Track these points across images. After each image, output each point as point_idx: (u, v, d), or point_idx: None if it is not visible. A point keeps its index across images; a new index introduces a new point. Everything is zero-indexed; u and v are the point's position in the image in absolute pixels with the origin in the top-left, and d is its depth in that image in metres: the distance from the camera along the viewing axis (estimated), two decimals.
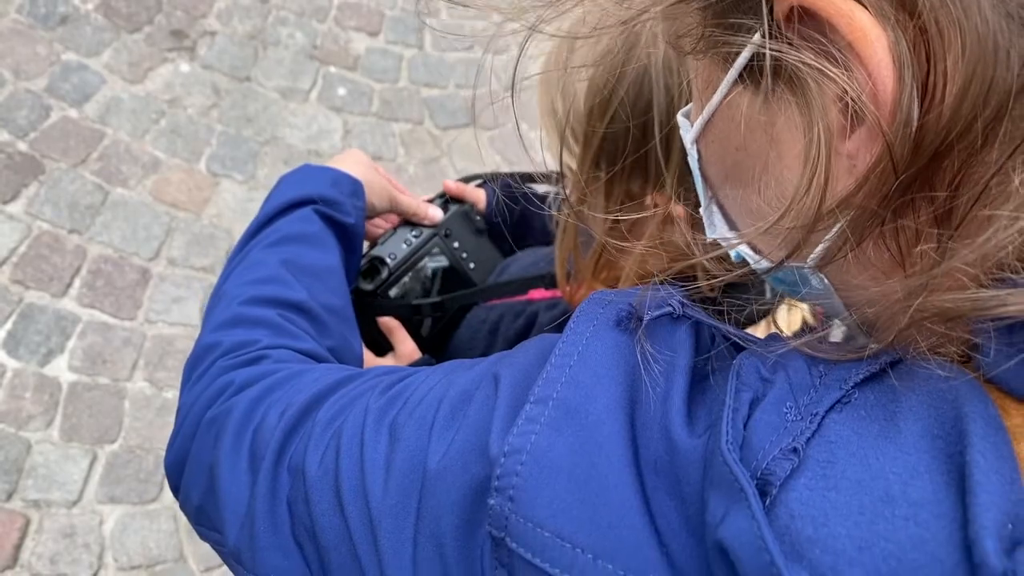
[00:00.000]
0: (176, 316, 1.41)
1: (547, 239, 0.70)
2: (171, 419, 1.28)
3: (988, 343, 0.19)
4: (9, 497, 1.16)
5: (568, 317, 0.26)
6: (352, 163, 0.60)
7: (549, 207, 0.53)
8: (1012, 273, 0.18)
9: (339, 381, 0.35)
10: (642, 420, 0.22)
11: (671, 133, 0.40)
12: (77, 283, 1.38)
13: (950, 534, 0.16)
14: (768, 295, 0.35)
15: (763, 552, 0.17)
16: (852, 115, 0.19)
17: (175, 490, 0.41)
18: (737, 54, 0.22)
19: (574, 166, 0.45)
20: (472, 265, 0.68)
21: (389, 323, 0.64)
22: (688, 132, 0.28)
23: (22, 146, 1.46)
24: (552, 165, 0.45)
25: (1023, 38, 0.17)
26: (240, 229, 1.50)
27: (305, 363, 0.42)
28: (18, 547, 1.13)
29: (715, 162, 0.27)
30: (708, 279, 0.26)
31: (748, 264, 0.26)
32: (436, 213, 0.67)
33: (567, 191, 0.47)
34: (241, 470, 0.34)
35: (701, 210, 0.29)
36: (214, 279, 0.45)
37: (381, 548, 0.26)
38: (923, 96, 0.18)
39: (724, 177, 0.27)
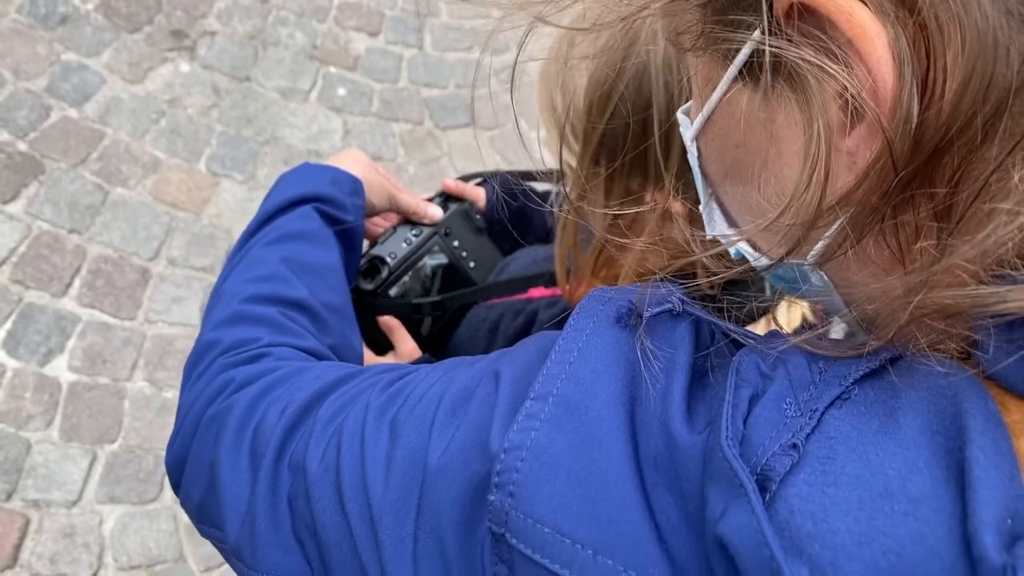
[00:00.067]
0: (176, 316, 1.41)
1: (547, 237, 0.71)
2: (171, 419, 1.28)
3: (988, 340, 0.19)
4: (9, 497, 1.16)
5: (568, 314, 0.26)
6: (352, 162, 0.60)
7: (549, 205, 0.53)
8: (1012, 270, 0.18)
9: (340, 379, 0.35)
10: (642, 416, 0.22)
11: (670, 130, 0.40)
12: (77, 283, 1.38)
13: (949, 529, 0.16)
14: (768, 292, 0.35)
15: (763, 547, 0.17)
16: (852, 112, 0.19)
17: (176, 488, 0.41)
18: (737, 51, 0.22)
19: (574, 164, 0.45)
20: (472, 264, 0.68)
21: (389, 322, 0.65)
22: (688, 129, 0.28)
23: (22, 146, 1.46)
24: (552, 163, 0.45)
25: (1023, 34, 0.17)
26: (240, 229, 1.50)
27: (306, 361, 0.42)
28: (18, 547, 1.13)
29: (715, 159, 0.27)
30: (708, 276, 0.26)
31: (748, 261, 0.26)
32: (436, 212, 0.67)
33: (567, 188, 0.47)
34: (242, 467, 0.34)
35: (701, 207, 0.29)
36: (214, 279, 0.46)
37: (382, 544, 0.26)
38: (923, 92, 0.18)
39: (724, 174, 0.27)
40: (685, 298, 0.26)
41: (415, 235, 0.66)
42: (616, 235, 0.43)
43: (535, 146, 0.43)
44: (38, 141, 1.48)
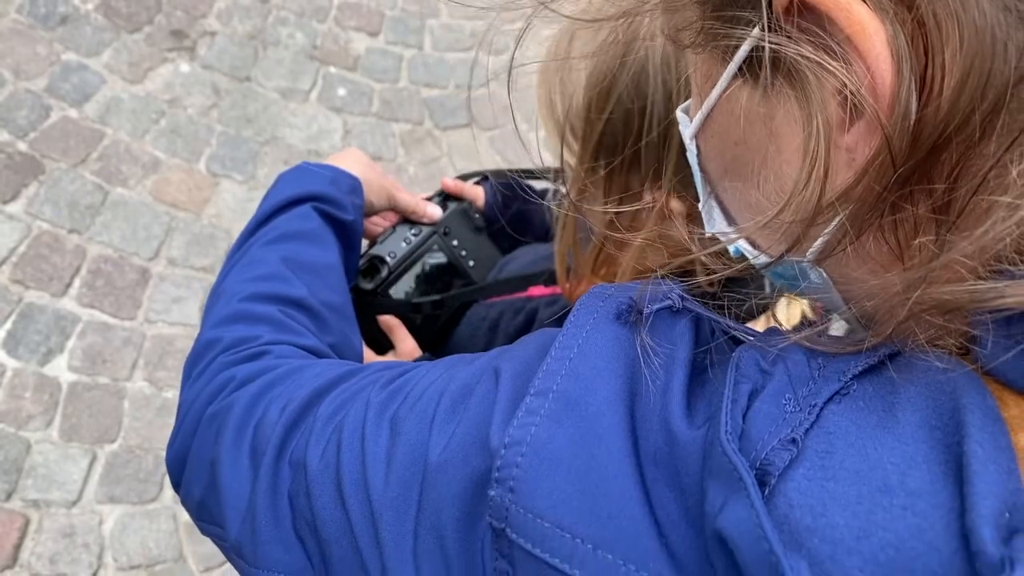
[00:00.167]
0: (176, 316, 1.41)
1: (546, 236, 0.71)
2: (171, 419, 1.28)
3: (986, 335, 0.19)
4: (9, 497, 1.16)
5: (568, 312, 0.26)
6: (351, 161, 0.61)
7: (548, 204, 0.53)
8: (1010, 265, 0.18)
9: (340, 376, 0.35)
10: (642, 412, 0.22)
11: (669, 128, 0.40)
12: (77, 283, 1.38)
13: (948, 523, 0.16)
14: (767, 290, 0.35)
15: (762, 541, 0.17)
16: (851, 108, 0.20)
17: (176, 486, 0.42)
18: (736, 48, 0.22)
19: (573, 162, 0.45)
20: (471, 263, 0.68)
21: (389, 321, 0.65)
22: (687, 127, 0.28)
23: (22, 146, 1.46)
24: (551, 162, 0.45)
25: (1020, 31, 0.17)
26: (240, 229, 1.50)
27: (306, 359, 0.42)
28: (18, 547, 1.13)
29: (714, 157, 0.27)
30: (707, 274, 0.26)
31: (747, 259, 0.26)
32: (435, 211, 0.67)
33: (566, 187, 0.47)
34: (242, 465, 0.34)
35: (700, 205, 0.30)
36: (214, 279, 0.46)
37: (382, 541, 0.26)
38: (921, 89, 0.18)
39: (723, 172, 0.27)
40: (685, 295, 0.26)
41: (414, 234, 0.66)
42: (616, 233, 0.43)
43: (534, 144, 0.43)
44: (38, 141, 1.48)
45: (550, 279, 0.58)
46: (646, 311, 0.24)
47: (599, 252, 0.48)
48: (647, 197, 0.42)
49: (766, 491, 0.18)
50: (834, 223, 0.21)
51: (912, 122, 0.18)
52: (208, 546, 1.20)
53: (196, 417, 0.40)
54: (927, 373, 0.19)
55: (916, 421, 0.18)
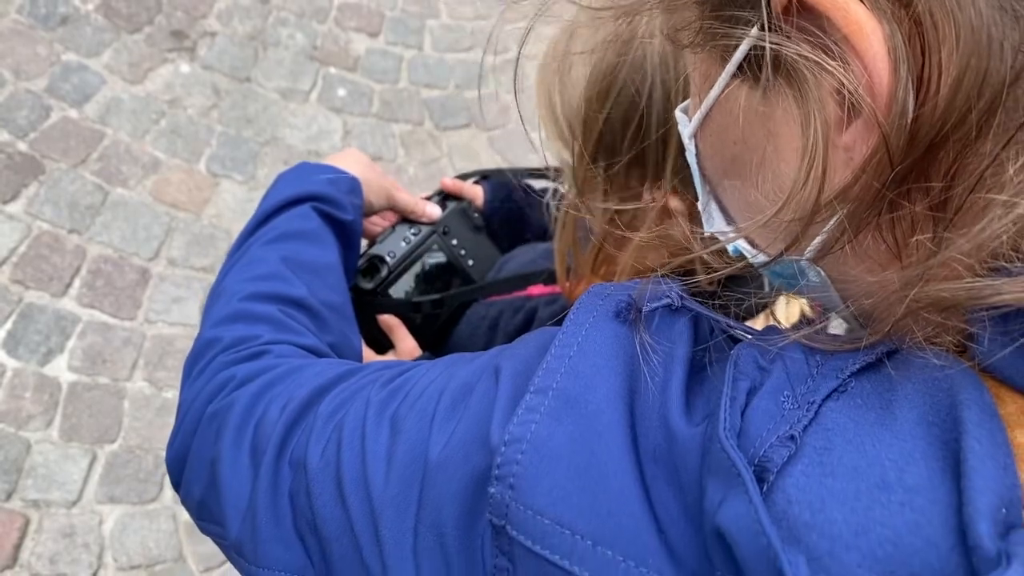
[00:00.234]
0: (176, 316, 1.41)
1: (545, 235, 0.71)
2: (171, 419, 1.28)
3: (983, 332, 0.19)
4: (9, 497, 1.16)
5: (568, 311, 0.26)
6: (350, 161, 0.61)
7: (548, 202, 0.53)
8: (1006, 262, 0.18)
9: (340, 375, 0.36)
10: (641, 410, 0.22)
11: (668, 127, 0.40)
12: (77, 283, 1.38)
13: (945, 519, 0.16)
14: (766, 288, 0.35)
15: (760, 536, 0.17)
16: (848, 108, 0.20)
17: (176, 486, 0.42)
18: (735, 47, 0.22)
19: (572, 161, 0.45)
20: (471, 262, 0.68)
21: (389, 321, 0.65)
22: (686, 127, 0.28)
23: (22, 146, 1.47)
24: (551, 161, 0.45)
25: (1016, 30, 0.17)
26: (240, 229, 1.50)
27: (306, 358, 0.42)
28: (18, 547, 1.13)
29: (713, 156, 0.27)
30: (707, 273, 0.27)
31: (746, 258, 0.27)
32: (434, 211, 0.67)
33: (566, 186, 0.47)
34: (243, 464, 0.34)
35: (699, 205, 0.30)
36: (214, 279, 0.46)
37: (382, 538, 0.26)
38: (918, 88, 0.19)
39: (722, 171, 0.27)
40: (684, 293, 0.26)
41: (414, 234, 0.66)
42: (615, 233, 0.43)
43: (536, 143, 0.43)
44: (38, 141, 1.48)
45: (550, 278, 0.58)
46: (645, 309, 0.25)
47: (599, 251, 0.48)
48: (646, 196, 0.43)
49: (764, 487, 0.18)
50: (832, 221, 0.21)
51: (909, 121, 0.19)
52: (208, 546, 1.21)
53: (196, 416, 0.40)
54: (925, 370, 0.20)
55: (914, 418, 0.18)
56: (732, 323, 0.25)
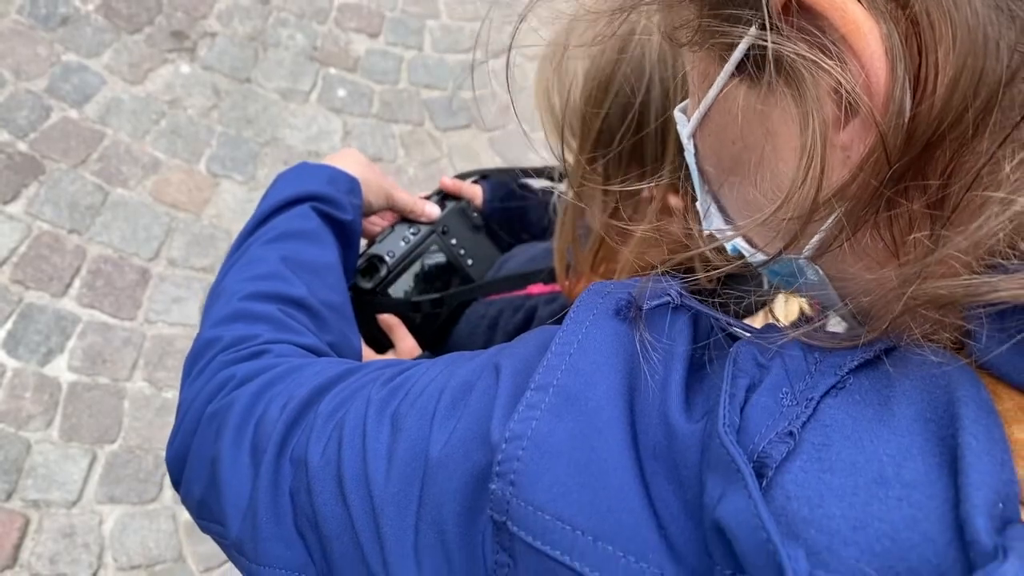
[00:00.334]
0: (176, 316, 1.41)
1: (544, 235, 0.71)
2: (171, 419, 1.28)
3: (980, 329, 0.19)
4: (9, 497, 1.16)
5: (568, 310, 0.27)
6: (349, 161, 0.61)
7: (548, 201, 0.53)
8: (1003, 260, 0.18)
9: (340, 374, 0.36)
10: (641, 407, 0.23)
11: (666, 125, 0.40)
12: (77, 283, 1.38)
13: (942, 514, 0.17)
14: (765, 286, 0.35)
15: (760, 530, 0.17)
16: (846, 107, 0.20)
17: (176, 485, 0.42)
18: (733, 47, 0.22)
19: (571, 160, 0.45)
20: (470, 261, 0.69)
21: (389, 320, 0.65)
22: (684, 127, 0.28)
23: (22, 146, 1.47)
24: (551, 160, 0.45)
25: (1012, 30, 0.17)
26: (239, 230, 1.50)
27: (306, 358, 0.42)
28: (18, 547, 1.13)
29: (711, 155, 0.27)
30: (706, 271, 0.27)
31: (744, 257, 0.27)
32: (433, 210, 0.68)
33: (565, 184, 0.47)
34: (243, 463, 0.34)
35: (697, 204, 0.30)
36: (214, 279, 0.46)
37: (383, 536, 0.26)
38: (915, 87, 0.19)
39: (720, 171, 0.27)
40: (683, 291, 0.26)
41: (413, 233, 0.66)
42: (615, 231, 0.43)
43: (536, 143, 0.43)
44: (38, 141, 1.48)
45: (549, 277, 0.58)
46: (645, 307, 0.25)
47: (598, 249, 0.48)
48: (645, 193, 0.43)
49: (763, 483, 0.19)
50: (830, 220, 0.21)
51: (906, 120, 0.19)
52: (208, 546, 1.21)
53: (196, 415, 0.40)
54: (922, 367, 0.20)
55: (911, 414, 0.19)
56: (731, 321, 0.25)
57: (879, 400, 0.19)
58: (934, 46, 0.18)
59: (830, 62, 0.19)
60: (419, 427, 0.27)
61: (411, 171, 1.77)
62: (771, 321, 0.35)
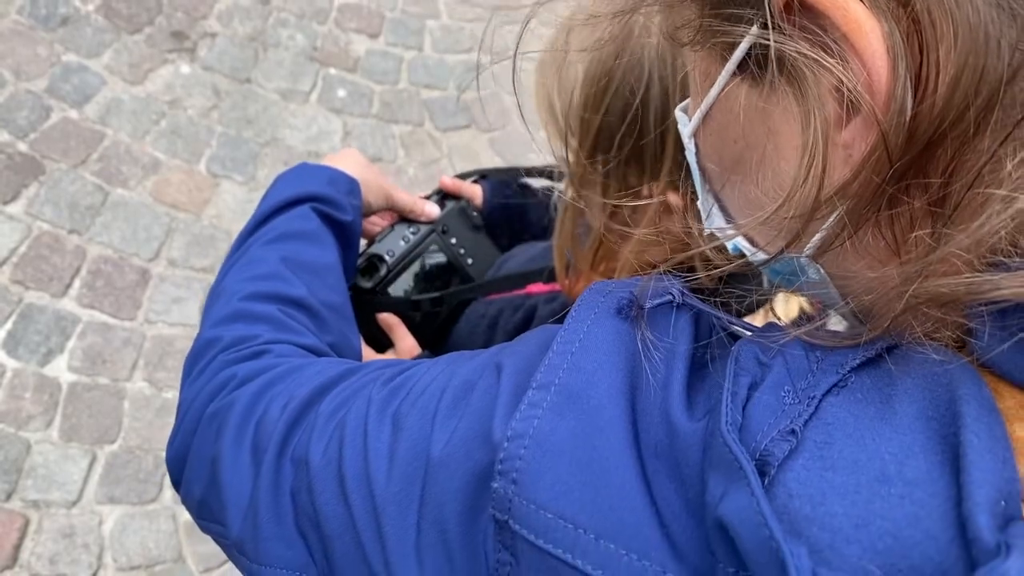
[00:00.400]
0: (176, 317, 1.41)
1: (544, 234, 0.71)
2: (171, 419, 1.28)
3: (982, 327, 0.19)
4: (8, 497, 1.16)
5: (568, 309, 0.27)
6: (349, 162, 0.61)
7: (548, 201, 0.54)
8: (1005, 257, 0.18)
9: (341, 374, 0.36)
10: (643, 405, 0.23)
11: (667, 124, 0.40)
12: (77, 283, 1.38)
13: (945, 512, 0.17)
14: (766, 285, 0.35)
15: (762, 527, 0.17)
16: (848, 105, 0.20)
17: (176, 485, 0.42)
18: (735, 46, 0.22)
19: (572, 159, 0.45)
20: (470, 261, 0.69)
21: (389, 320, 0.65)
22: (686, 126, 0.28)
23: (22, 146, 1.47)
24: (550, 160, 0.45)
25: (1013, 28, 0.17)
26: (240, 230, 1.50)
27: (306, 358, 0.42)
28: (17, 547, 1.13)
29: (712, 155, 0.27)
30: (707, 270, 0.27)
31: (745, 256, 0.27)
32: (433, 210, 0.68)
33: (566, 183, 0.47)
34: (244, 462, 0.34)
35: (699, 203, 0.30)
36: (214, 279, 0.46)
37: (385, 535, 0.26)
38: (916, 86, 0.19)
39: (722, 169, 0.27)
40: (685, 290, 0.26)
41: (413, 233, 0.66)
42: (615, 230, 0.43)
43: (536, 142, 0.43)
44: (38, 142, 1.48)
45: (549, 276, 0.58)
46: (647, 306, 0.25)
47: (598, 248, 0.48)
48: (645, 192, 0.43)
49: (766, 481, 0.19)
50: (832, 218, 0.21)
51: (908, 118, 0.19)
52: (208, 546, 1.20)
53: (196, 415, 0.40)
54: (924, 365, 0.20)
55: (913, 412, 0.19)
56: (733, 320, 0.25)
57: (881, 398, 0.19)
58: (935, 45, 0.18)
59: (832, 61, 0.19)
60: (420, 426, 0.27)
61: (411, 171, 1.77)
62: (772, 320, 0.35)
